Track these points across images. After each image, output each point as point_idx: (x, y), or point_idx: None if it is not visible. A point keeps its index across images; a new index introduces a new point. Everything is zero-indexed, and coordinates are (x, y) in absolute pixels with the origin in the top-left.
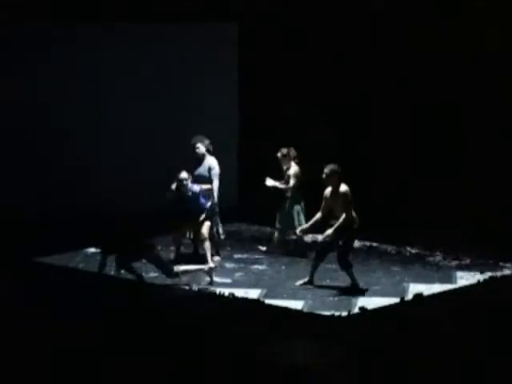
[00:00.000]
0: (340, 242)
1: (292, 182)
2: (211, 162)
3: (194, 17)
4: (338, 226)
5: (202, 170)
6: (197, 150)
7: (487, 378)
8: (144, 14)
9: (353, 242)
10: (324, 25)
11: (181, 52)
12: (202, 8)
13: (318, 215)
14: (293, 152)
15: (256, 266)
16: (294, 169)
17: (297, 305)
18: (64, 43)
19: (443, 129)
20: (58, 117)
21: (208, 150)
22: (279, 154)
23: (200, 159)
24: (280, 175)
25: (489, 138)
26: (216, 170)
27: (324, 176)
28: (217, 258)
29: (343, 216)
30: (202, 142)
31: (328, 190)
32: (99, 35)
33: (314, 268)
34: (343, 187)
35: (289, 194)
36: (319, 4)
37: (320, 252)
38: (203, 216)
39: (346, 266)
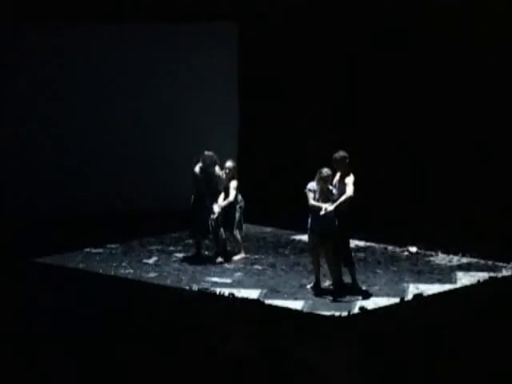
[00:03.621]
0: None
1: (233, 193)
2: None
3: (194, 17)
4: (340, 203)
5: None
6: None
7: (487, 378)
8: (144, 14)
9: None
10: (324, 25)
11: (181, 52)
12: (202, 8)
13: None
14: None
15: (256, 266)
16: (234, 182)
17: (297, 305)
18: (65, 43)
19: (443, 128)
20: (58, 117)
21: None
22: (230, 167)
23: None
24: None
25: (488, 137)
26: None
27: (334, 163)
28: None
29: (347, 193)
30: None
31: (336, 178)
32: (100, 35)
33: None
34: (350, 174)
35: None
36: (319, 4)
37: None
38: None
39: (351, 263)
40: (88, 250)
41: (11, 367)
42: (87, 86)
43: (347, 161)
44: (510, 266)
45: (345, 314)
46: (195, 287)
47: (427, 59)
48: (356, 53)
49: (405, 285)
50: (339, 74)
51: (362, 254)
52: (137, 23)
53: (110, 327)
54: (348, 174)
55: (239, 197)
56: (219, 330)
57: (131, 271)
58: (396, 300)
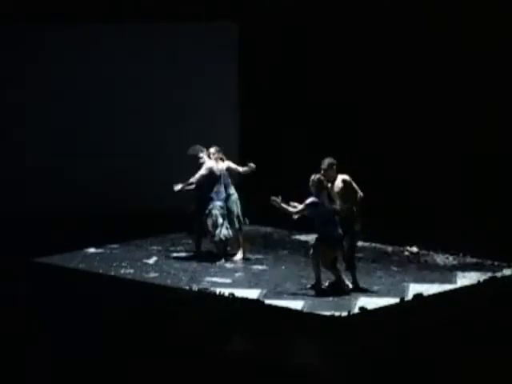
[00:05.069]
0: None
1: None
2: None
3: (194, 17)
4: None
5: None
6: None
7: (487, 378)
8: (144, 13)
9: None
10: (325, 25)
11: (181, 52)
12: (202, 8)
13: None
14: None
15: (256, 266)
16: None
17: (297, 305)
18: (64, 43)
19: (442, 127)
20: (57, 117)
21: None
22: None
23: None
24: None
25: (488, 137)
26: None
27: (322, 171)
28: (238, 257)
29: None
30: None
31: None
32: (99, 35)
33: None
34: (344, 176)
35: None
36: (319, 4)
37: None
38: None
39: (353, 267)
40: (88, 250)
41: (11, 367)
42: (87, 85)
43: (334, 167)
44: (510, 265)
45: (345, 314)
46: (195, 287)
47: (427, 59)
48: (356, 53)
49: (405, 285)
50: (339, 73)
51: (362, 254)
52: (137, 23)
53: (110, 327)
54: (335, 179)
55: (232, 189)
56: (219, 330)
57: (131, 271)
58: (396, 300)
